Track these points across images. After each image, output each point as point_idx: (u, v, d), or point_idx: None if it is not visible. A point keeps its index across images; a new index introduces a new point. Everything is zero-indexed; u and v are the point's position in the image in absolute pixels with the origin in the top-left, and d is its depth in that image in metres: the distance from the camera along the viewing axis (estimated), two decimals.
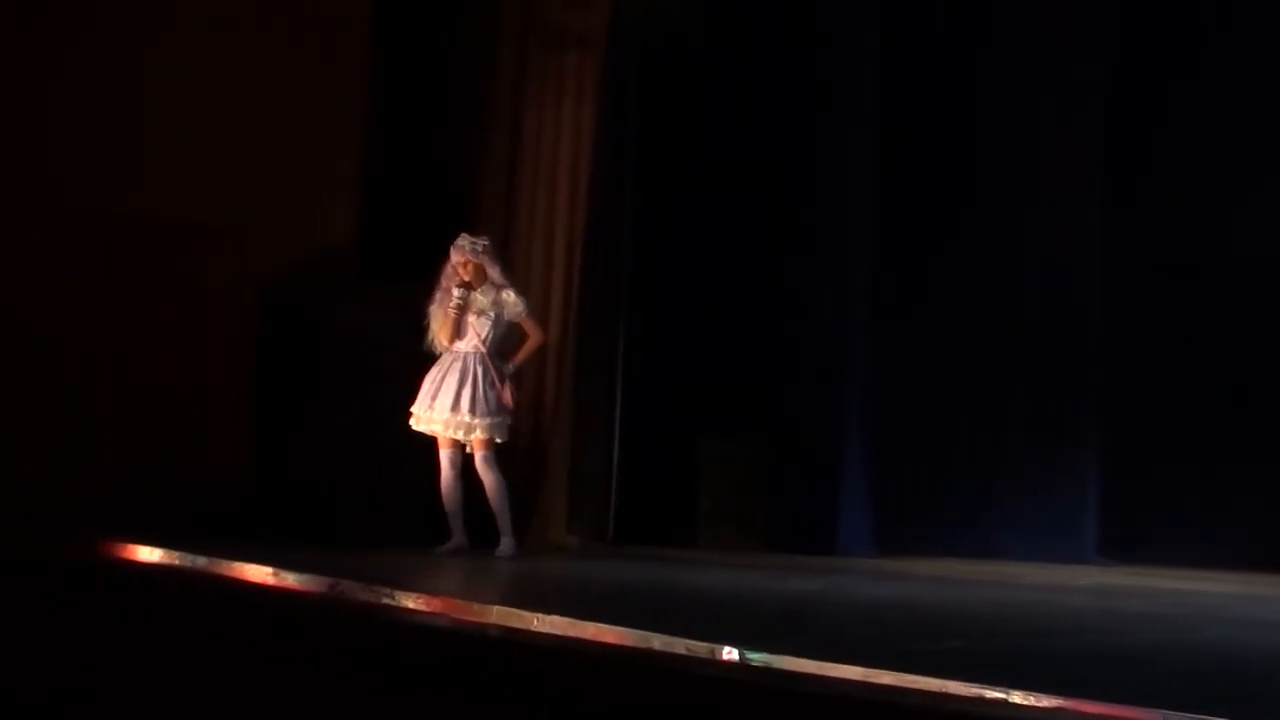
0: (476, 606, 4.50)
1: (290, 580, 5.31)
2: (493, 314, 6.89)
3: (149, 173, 7.73)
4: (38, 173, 7.43)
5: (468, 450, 6.86)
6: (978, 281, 8.19)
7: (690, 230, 8.39)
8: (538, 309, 7.50)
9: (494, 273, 6.95)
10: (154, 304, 7.73)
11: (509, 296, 6.91)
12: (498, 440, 6.85)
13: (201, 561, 5.79)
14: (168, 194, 7.76)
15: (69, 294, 7.44)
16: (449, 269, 6.94)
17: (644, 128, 8.26)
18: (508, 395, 6.79)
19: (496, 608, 4.41)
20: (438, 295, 6.96)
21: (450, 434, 6.80)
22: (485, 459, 6.77)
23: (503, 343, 6.98)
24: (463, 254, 6.94)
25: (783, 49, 8.39)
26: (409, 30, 8.58)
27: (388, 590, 4.82)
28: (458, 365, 6.82)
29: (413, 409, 6.87)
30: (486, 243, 7.02)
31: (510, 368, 6.89)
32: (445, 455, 6.84)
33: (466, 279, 6.91)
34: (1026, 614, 5.42)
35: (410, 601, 4.70)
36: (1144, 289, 8.02)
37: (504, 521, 6.78)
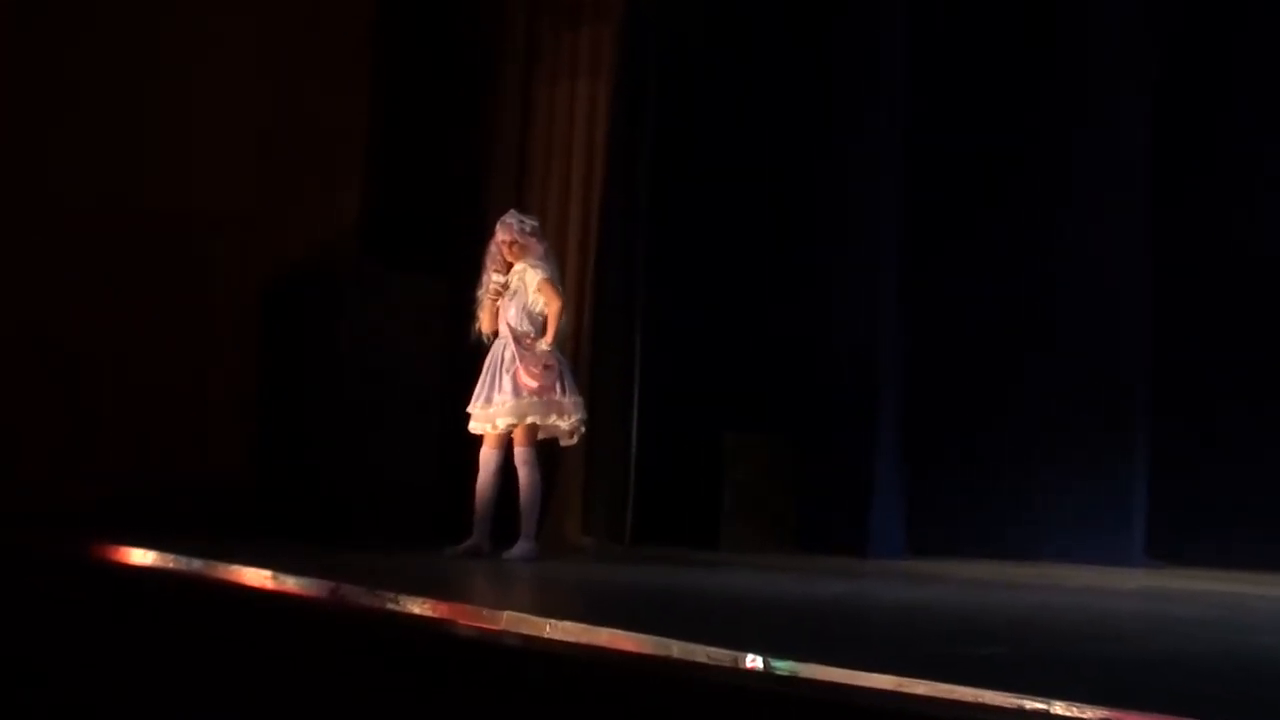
0: (486, 612, 4.46)
1: (290, 584, 5.28)
2: (513, 293, 6.71)
3: (149, 163, 7.86)
4: (37, 169, 7.55)
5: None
6: (1015, 272, 8.15)
7: (712, 215, 8.36)
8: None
9: (535, 257, 6.73)
10: (153, 298, 7.85)
11: (531, 269, 6.68)
12: (556, 424, 6.61)
13: (197, 564, 5.78)
14: (167, 184, 7.88)
15: (67, 291, 7.55)
16: (492, 249, 6.77)
17: (663, 107, 8.22)
18: (524, 376, 6.53)
19: (507, 613, 4.37)
20: (483, 279, 6.79)
21: (484, 428, 6.67)
22: (521, 453, 6.61)
23: (535, 317, 6.74)
24: (509, 233, 6.72)
25: (813, 22, 8.34)
26: (414, 10, 8.60)
27: (391, 594, 4.78)
28: (494, 355, 6.69)
29: (469, 409, 6.74)
30: (535, 224, 6.84)
31: (545, 346, 6.61)
32: (484, 453, 6.72)
33: (511, 260, 6.72)
34: (1070, 619, 5.37)
35: (416, 606, 4.67)
36: (1194, 279, 7.96)
37: (529, 523, 6.68)
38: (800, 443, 8.22)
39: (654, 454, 8.14)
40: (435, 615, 4.59)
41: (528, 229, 6.78)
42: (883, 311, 8.10)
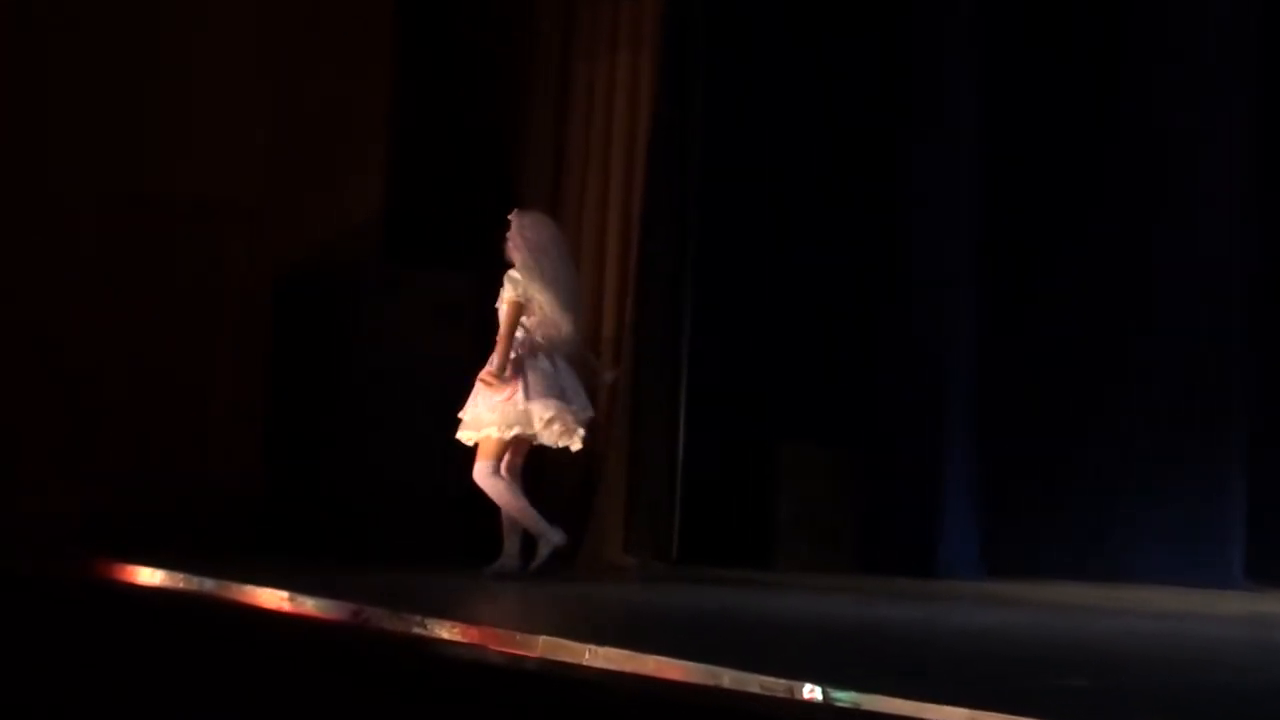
0: (520, 637, 4.47)
1: (308, 606, 5.32)
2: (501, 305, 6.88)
3: (149, 153, 7.98)
4: (36, 165, 7.73)
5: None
6: (1104, 274, 8.11)
7: (767, 204, 8.34)
8: (589, 294, 7.47)
9: (518, 264, 6.88)
10: (156, 296, 7.94)
11: (507, 283, 6.84)
12: (479, 437, 6.75)
13: (209, 584, 5.83)
14: (170, 176, 7.98)
15: (68, 290, 7.68)
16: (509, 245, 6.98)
17: (712, 82, 8.21)
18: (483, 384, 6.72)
19: (543, 638, 4.38)
20: None
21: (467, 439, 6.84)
22: (477, 469, 6.77)
23: (538, 327, 6.86)
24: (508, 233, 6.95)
25: None
26: None
27: (418, 618, 4.80)
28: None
29: None
30: (531, 222, 6.98)
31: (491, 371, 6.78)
32: (502, 463, 6.86)
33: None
34: (1162, 647, 5.33)
35: (444, 631, 4.69)
36: None
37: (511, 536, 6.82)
38: (863, 452, 8.18)
39: (702, 465, 8.12)
40: (465, 640, 4.61)
41: (514, 229, 6.90)
42: (955, 311, 8.07)
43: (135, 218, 7.84)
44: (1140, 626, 6.02)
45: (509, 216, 6.96)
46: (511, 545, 6.78)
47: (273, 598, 5.45)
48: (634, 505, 7.93)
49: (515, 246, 6.89)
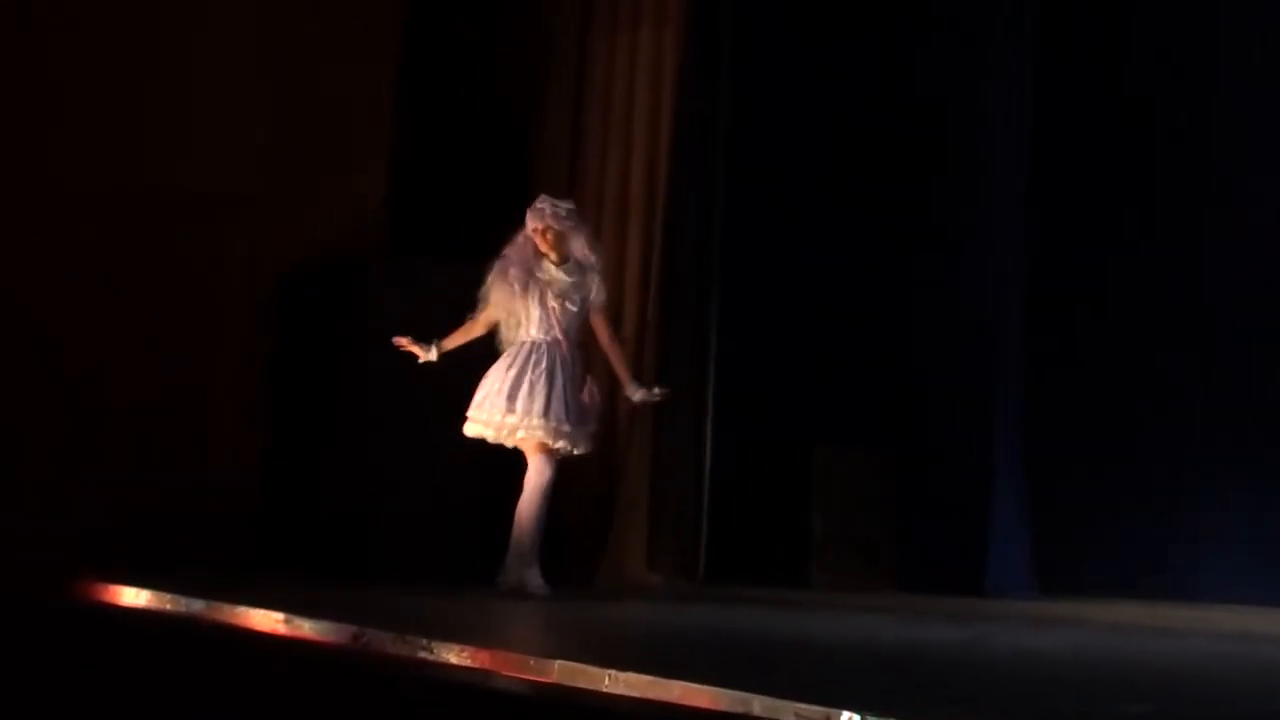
0: (534, 661, 4.48)
1: (305, 628, 5.31)
2: (577, 299, 6.86)
3: (149, 145, 8.09)
4: (35, 161, 7.88)
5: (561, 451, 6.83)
6: (1157, 274, 8.13)
7: (801, 193, 8.35)
8: (610, 288, 7.47)
9: (578, 246, 6.90)
10: (156, 295, 8.07)
11: (596, 280, 6.90)
12: (576, 452, 6.86)
13: (198, 605, 5.83)
14: (173, 171, 8.13)
15: (67, 289, 7.87)
16: (521, 239, 6.90)
17: (740, 60, 8.21)
18: (587, 398, 6.84)
19: (559, 663, 4.38)
20: (496, 265, 6.91)
21: (552, 442, 6.79)
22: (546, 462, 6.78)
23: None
24: (542, 219, 6.88)
25: None
26: None
27: (424, 641, 4.80)
28: (542, 360, 6.81)
29: (470, 412, 6.85)
30: (572, 207, 6.99)
31: (634, 387, 6.98)
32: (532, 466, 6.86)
33: (545, 253, 6.87)
34: (1229, 670, 5.32)
35: (453, 655, 4.68)
36: None
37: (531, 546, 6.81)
38: (905, 460, 8.19)
39: (731, 474, 8.13)
40: (475, 665, 4.61)
41: (563, 213, 6.90)
42: (1003, 308, 8.08)
43: (135, 216, 7.95)
44: (1201, 648, 6.01)
45: (546, 203, 6.89)
46: (530, 560, 6.78)
47: (266, 620, 5.46)
48: (657, 518, 7.93)
49: (573, 232, 6.88)
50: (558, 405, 6.75)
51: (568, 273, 6.88)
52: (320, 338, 8.09)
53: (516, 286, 6.84)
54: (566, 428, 6.75)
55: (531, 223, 6.89)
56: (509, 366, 6.84)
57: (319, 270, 8.16)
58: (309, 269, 8.19)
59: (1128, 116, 8.25)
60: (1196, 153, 8.14)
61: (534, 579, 6.74)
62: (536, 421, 6.75)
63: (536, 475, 6.80)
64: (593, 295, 6.89)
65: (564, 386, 6.78)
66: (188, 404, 8.10)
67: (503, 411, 6.79)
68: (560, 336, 6.83)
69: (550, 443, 6.77)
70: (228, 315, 8.24)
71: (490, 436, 6.87)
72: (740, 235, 8.21)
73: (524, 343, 6.85)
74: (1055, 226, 8.18)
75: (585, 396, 6.84)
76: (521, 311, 6.86)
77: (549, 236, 6.86)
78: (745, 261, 8.22)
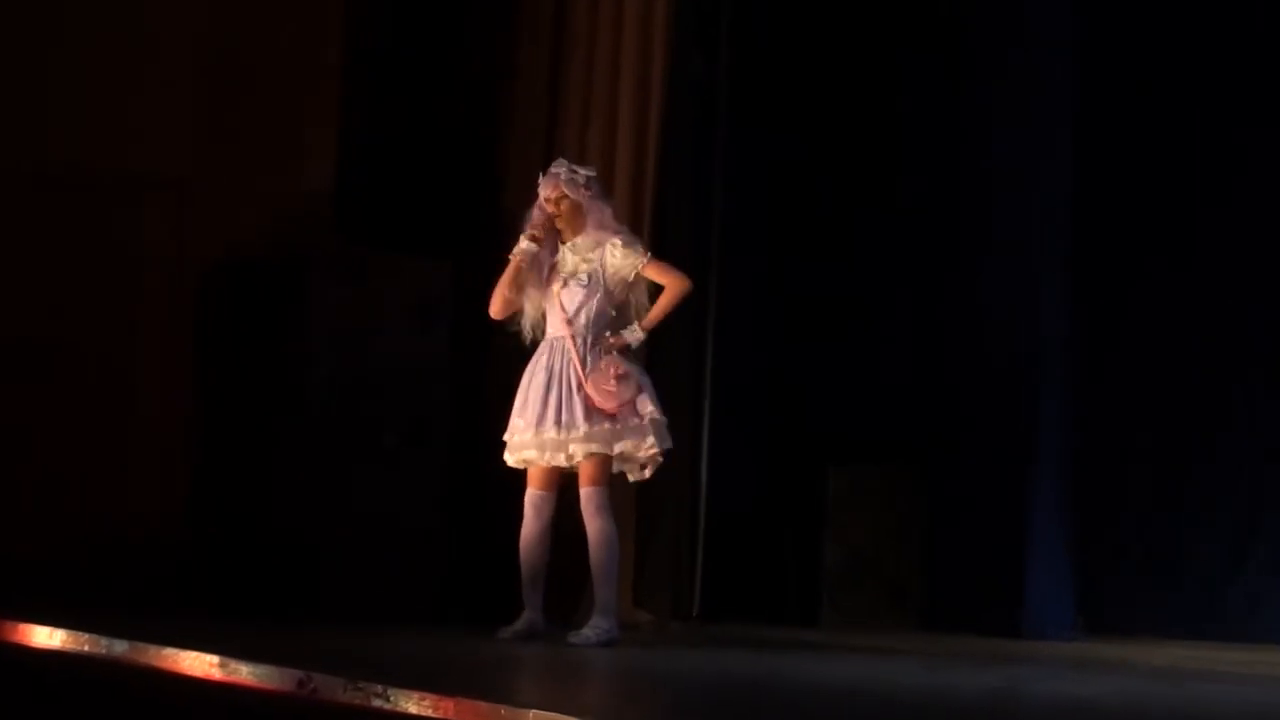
0: (505, 710, 4.48)
1: (244, 673, 5.29)
2: (585, 277, 6.69)
3: (58, 119, 7.95)
4: None
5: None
6: (1218, 287, 8.20)
7: (811, 170, 8.35)
8: None
9: (595, 219, 6.69)
10: (63, 283, 7.96)
11: (612, 249, 6.65)
12: (631, 454, 6.63)
13: (120, 647, 5.81)
14: (83, 144, 8.00)
15: None
16: (533, 211, 6.75)
17: (739, 28, 8.20)
18: (596, 392, 6.50)
19: (534, 713, 4.38)
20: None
21: (545, 461, 6.67)
22: (593, 495, 6.58)
23: (619, 319, 6.72)
24: (555, 185, 6.69)
25: None
26: None
27: (379, 688, 4.78)
28: (544, 362, 6.67)
29: (505, 437, 6.74)
30: (592, 174, 6.81)
31: (631, 332, 6.63)
32: (530, 498, 6.73)
33: (560, 226, 6.68)
34: None
35: (412, 704, 4.67)
36: None
37: (604, 591, 6.66)
38: (932, 484, 8.20)
39: (731, 498, 8.14)
40: (438, 715, 4.59)
41: (580, 180, 6.73)
42: (1046, 317, 8.10)
43: (39, 197, 7.88)
44: (1263, 695, 6.05)
45: (562, 167, 6.71)
46: (533, 597, 6.75)
47: (199, 663, 5.43)
48: (646, 548, 7.92)
49: (579, 199, 6.67)
50: (552, 413, 6.57)
51: (574, 250, 6.71)
52: (257, 339, 8.07)
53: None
54: (560, 435, 6.54)
55: (544, 190, 6.73)
56: (526, 374, 6.69)
57: (255, 263, 8.14)
58: (244, 261, 8.17)
59: (1180, 161, 8.32)
60: (1253, 193, 8.19)
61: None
62: (529, 436, 6.61)
63: (529, 506, 6.71)
64: (613, 267, 6.62)
65: (561, 388, 6.58)
66: (104, 414, 8.05)
67: (515, 430, 6.66)
68: (566, 328, 6.63)
69: (545, 462, 6.64)
70: (150, 312, 8.19)
71: (510, 461, 6.71)
72: (742, 219, 8.21)
73: (546, 341, 6.70)
74: (1103, 236, 8.25)
75: (605, 396, 6.54)
76: (504, 290, 6.71)
77: (563, 207, 6.71)
78: (748, 251, 8.22)
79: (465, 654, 6.43)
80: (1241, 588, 8.05)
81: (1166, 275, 8.29)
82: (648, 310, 6.71)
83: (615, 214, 6.86)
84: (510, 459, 6.74)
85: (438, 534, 7.85)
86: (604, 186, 6.99)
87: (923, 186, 8.41)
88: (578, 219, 6.72)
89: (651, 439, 6.63)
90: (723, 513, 8.09)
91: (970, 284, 8.26)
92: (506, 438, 6.73)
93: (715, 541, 8.06)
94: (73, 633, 6.01)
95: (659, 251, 7.97)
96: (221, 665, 5.36)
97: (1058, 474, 8.09)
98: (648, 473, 6.77)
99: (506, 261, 6.78)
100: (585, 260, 6.69)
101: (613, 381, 6.54)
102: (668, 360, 7.92)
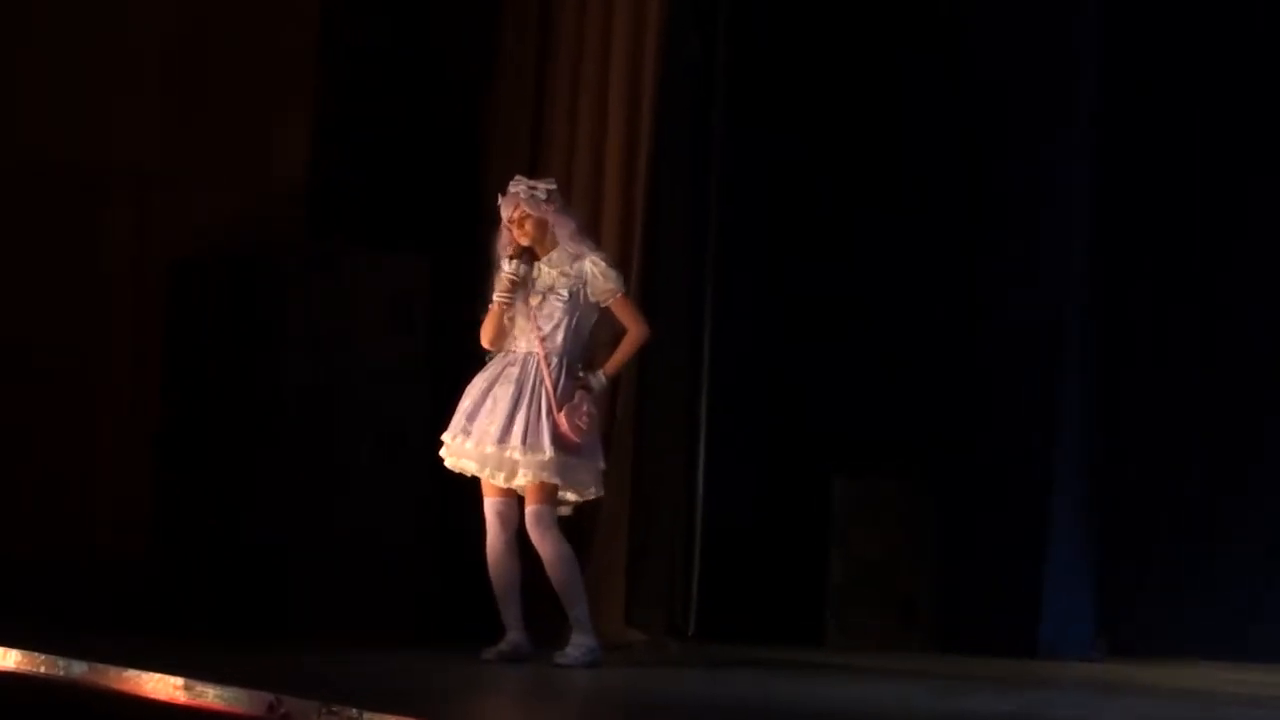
0: None
1: (211, 696, 5.29)
2: (565, 294, 6.76)
3: (11, 108, 7.92)
4: None
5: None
6: (1248, 295, 8.25)
7: (815, 166, 8.35)
8: None
9: (565, 233, 6.79)
10: (23, 278, 8.02)
11: (593, 267, 6.77)
12: (565, 493, 6.76)
13: (79, 668, 5.80)
14: (42, 134, 8.02)
15: None
16: (501, 232, 6.84)
17: (739, 17, 8.21)
18: (567, 425, 6.61)
19: None
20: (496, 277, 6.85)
21: (489, 475, 6.74)
22: (536, 516, 6.67)
23: (587, 339, 6.84)
24: (515, 205, 6.80)
25: None
26: None
27: (354, 711, 4.79)
28: (513, 374, 6.72)
29: (443, 435, 6.80)
30: (552, 188, 6.89)
31: (596, 379, 6.78)
32: (490, 507, 6.79)
33: (526, 244, 6.78)
34: None
35: None
36: None
37: (574, 610, 6.72)
38: (944, 496, 8.19)
39: (730, 508, 8.13)
40: None
41: (541, 196, 6.80)
42: (1067, 320, 8.10)
43: (3, 192, 7.90)
44: None
45: (520, 185, 6.81)
46: (511, 614, 6.77)
47: (163, 686, 5.43)
48: (639, 562, 7.91)
49: (556, 217, 6.79)
50: (519, 430, 6.62)
51: (551, 264, 6.79)
52: (226, 339, 8.07)
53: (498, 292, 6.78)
54: (518, 455, 6.61)
55: (504, 212, 6.81)
56: (482, 382, 6.75)
57: (225, 258, 8.15)
58: (213, 255, 8.18)
59: (1212, 124, 8.37)
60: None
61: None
62: (485, 449, 6.65)
63: (492, 519, 6.77)
64: (592, 288, 6.74)
65: (529, 406, 6.65)
66: (64, 420, 8.06)
67: (458, 434, 6.72)
68: (539, 346, 6.71)
69: (489, 476, 6.71)
70: (114, 311, 8.23)
71: (446, 461, 6.79)
72: (741, 218, 8.20)
73: (508, 354, 6.76)
74: (1131, 216, 8.28)
75: (563, 420, 6.64)
76: (495, 320, 6.77)
77: (528, 226, 6.78)
78: (747, 252, 8.22)
79: (443, 676, 6.41)
80: (1270, 607, 8.07)
81: (1191, 285, 8.32)
82: (596, 340, 6.86)
83: (581, 227, 6.91)
84: (448, 460, 6.79)
85: (416, 547, 7.84)
86: (566, 198, 7.06)
87: (924, 186, 8.42)
88: (545, 235, 6.80)
89: (594, 490, 6.83)
90: (721, 524, 8.09)
91: (976, 282, 8.28)
92: (447, 438, 6.76)
93: (712, 555, 8.06)
94: (28, 653, 6.01)
95: (653, 248, 8.00)
96: (187, 688, 5.36)
97: (1077, 480, 8.09)
98: (567, 511, 6.89)
99: (487, 259, 6.84)
100: (564, 274, 6.78)
101: (584, 418, 6.68)
102: (662, 363, 7.92)
